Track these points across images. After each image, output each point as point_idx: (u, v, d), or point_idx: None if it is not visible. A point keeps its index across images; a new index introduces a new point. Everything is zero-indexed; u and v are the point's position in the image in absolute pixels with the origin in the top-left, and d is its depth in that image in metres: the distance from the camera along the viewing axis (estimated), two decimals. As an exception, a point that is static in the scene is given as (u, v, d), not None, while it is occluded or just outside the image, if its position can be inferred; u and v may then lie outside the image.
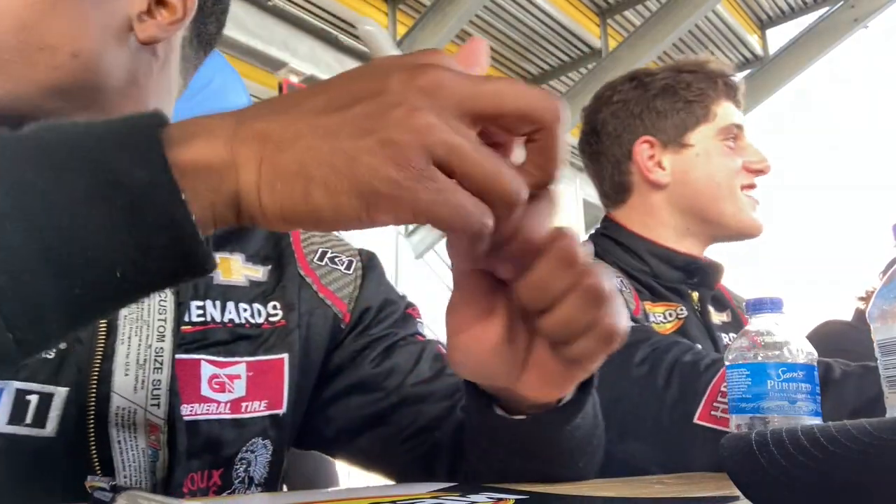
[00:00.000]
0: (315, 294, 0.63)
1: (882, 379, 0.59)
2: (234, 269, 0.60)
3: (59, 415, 0.47)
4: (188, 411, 0.53)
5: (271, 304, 0.60)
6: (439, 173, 0.30)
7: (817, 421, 0.65)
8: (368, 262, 0.68)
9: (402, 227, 6.67)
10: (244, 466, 0.57)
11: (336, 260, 0.66)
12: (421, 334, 0.68)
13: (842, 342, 1.28)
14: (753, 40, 5.60)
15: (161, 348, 0.51)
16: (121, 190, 0.29)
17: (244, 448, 0.57)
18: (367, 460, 0.65)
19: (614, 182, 1.10)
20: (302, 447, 0.69)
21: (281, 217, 0.31)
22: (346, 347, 0.64)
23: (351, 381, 0.63)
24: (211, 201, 0.31)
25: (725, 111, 1.05)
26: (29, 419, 0.46)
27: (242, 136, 0.31)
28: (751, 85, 5.28)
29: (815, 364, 0.67)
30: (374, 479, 0.66)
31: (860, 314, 1.40)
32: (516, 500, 0.37)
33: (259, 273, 0.61)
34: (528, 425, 0.47)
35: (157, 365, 0.51)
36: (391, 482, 0.65)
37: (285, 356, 0.59)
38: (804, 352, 0.66)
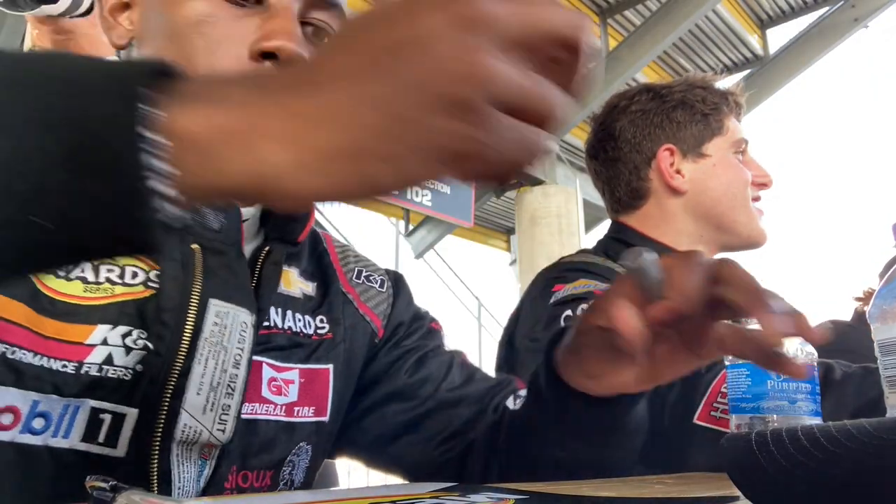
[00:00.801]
0: (356, 310, 0.66)
1: (882, 379, 0.59)
2: (293, 281, 0.62)
3: (130, 435, 0.48)
4: (249, 410, 0.54)
5: (319, 317, 0.63)
6: (500, 115, 0.27)
7: (817, 421, 0.65)
8: (398, 282, 0.72)
9: (402, 227, 6.68)
10: (289, 469, 0.58)
11: (371, 278, 0.70)
12: (444, 346, 0.71)
13: (842, 342, 1.29)
14: (753, 40, 5.60)
15: (235, 375, 0.53)
16: (79, 118, 0.25)
17: (292, 451, 0.58)
18: (402, 465, 0.67)
19: (631, 188, 1.12)
20: (336, 456, 0.71)
21: (315, 198, 0.28)
22: (380, 360, 0.67)
23: (388, 390, 0.66)
24: (211, 183, 0.27)
25: (735, 126, 1.10)
26: (101, 438, 0.47)
27: (268, 110, 0.27)
28: (751, 85, 5.29)
29: (815, 364, 0.67)
30: (374, 479, 0.67)
31: (860, 314, 1.40)
32: (516, 499, 0.37)
33: (309, 288, 0.63)
34: (615, 407, 0.51)
35: (229, 391, 0.52)
36: (398, 481, 0.66)
37: (331, 367, 0.62)
38: (804, 352, 0.67)
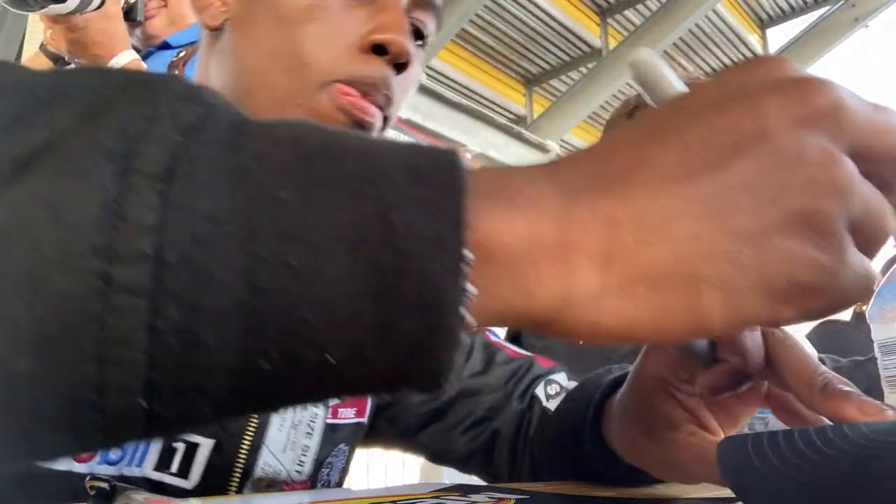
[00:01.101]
0: None
1: (882, 379, 0.59)
2: None
3: (202, 467, 0.46)
4: None
5: None
6: (850, 239, 0.22)
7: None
8: None
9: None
10: (328, 471, 0.58)
11: None
12: None
13: (841, 341, 1.28)
14: (754, 40, 5.60)
15: (315, 414, 0.52)
16: (386, 234, 0.19)
17: (332, 453, 0.58)
18: (433, 453, 0.66)
19: None
20: (369, 446, 0.71)
21: (624, 333, 0.22)
22: None
23: None
24: (511, 305, 0.21)
25: None
26: (174, 468, 0.46)
27: (578, 216, 0.21)
28: (751, 84, 5.29)
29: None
30: (373, 479, 0.67)
31: (858, 314, 1.40)
32: (516, 499, 0.37)
33: None
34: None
35: (309, 430, 0.52)
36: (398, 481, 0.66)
37: None
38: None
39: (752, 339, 0.34)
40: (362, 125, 0.49)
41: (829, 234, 0.21)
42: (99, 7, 0.98)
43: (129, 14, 1.16)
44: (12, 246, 0.17)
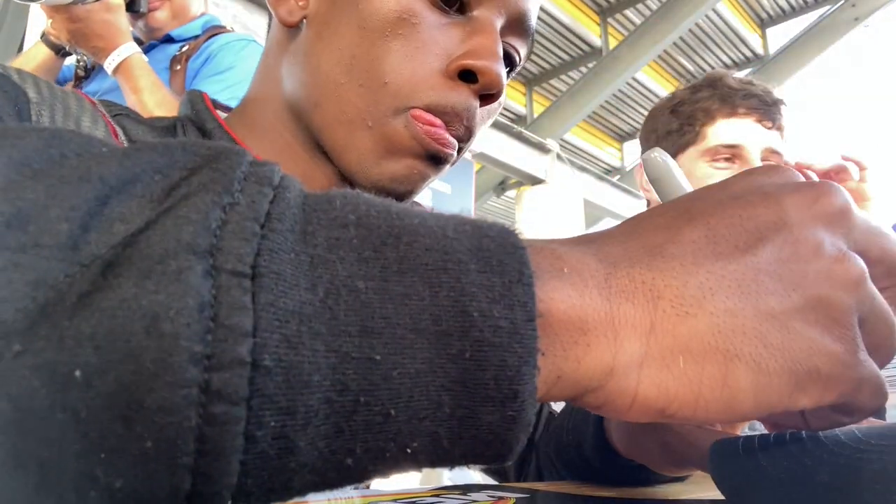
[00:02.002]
0: None
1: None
2: None
3: None
4: None
5: None
6: (863, 346, 0.23)
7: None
8: None
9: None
10: None
11: None
12: None
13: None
14: (754, 39, 5.60)
15: None
16: (466, 326, 0.19)
17: None
18: None
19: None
20: None
21: (662, 406, 0.22)
22: None
23: None
24: (561, 373, 0.21)
25: (716, 131, 1.01)
26: None
27: (621, 285, 0.22)
28: (751, 84, 5.29)
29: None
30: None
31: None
32: (517, 498, 0.37)
33: None
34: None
35: None
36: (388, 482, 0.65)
37: None
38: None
39: None
40: (438, 157, 0.45)
41: (844, 325, 0.22)
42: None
43: (132, 5, 1.16)
44: (108, 358, 0.16)
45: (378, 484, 0.61)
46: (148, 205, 0.18)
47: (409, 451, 0.19)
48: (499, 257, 0.20)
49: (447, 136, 0.45)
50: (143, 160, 0.19)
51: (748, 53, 5.68)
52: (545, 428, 0.58)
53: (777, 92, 1.07)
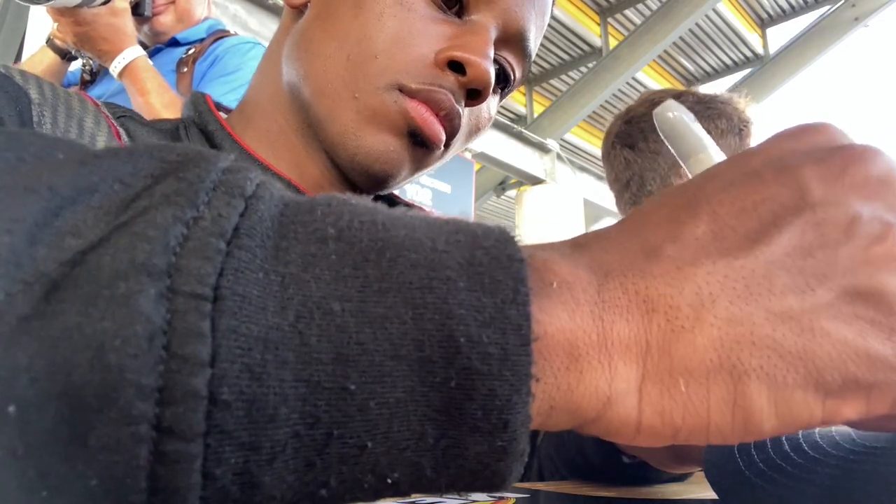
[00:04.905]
0: None
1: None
2: None
3: None
4: None
5: None
6: None
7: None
8: None
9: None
10: None
11: None
12: None
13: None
14: (754, 39, 5.59)
15: None
16: (452, 354, 0.17)
17: None
18: None
19: (666, 183, 1.12)
20: None
21: (669, 433, 0.19)
22: None
23: None
24: (553, 403, 0.19)
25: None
26: None
27: (614, 300, 0.19)
28: (751, 84, 5.28)
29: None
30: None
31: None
32: (517, 498, 0.37)
33: None
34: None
35: None
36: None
37: None
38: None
39: None
40: (419, 139, 0.45)
41: (889, 315, 0.18)
42: (105, 3, 0.99)
43: (137, 9, 1.16)
44: (47, 392, 0.14)
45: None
46: (104, 217, 0.16)
47: (389, 481, 0.18)
48: (492, 273, 0.18)
49: (436, 122, 0.45)
50: (103, 167, 0.18)
51: (748, 53, 5.67)
52: (546, 432, 0.58)
53: (754, 110, 1.12)
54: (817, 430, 0.27)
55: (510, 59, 0.49)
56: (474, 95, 0.46)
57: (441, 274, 0.18)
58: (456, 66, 0.44)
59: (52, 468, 0.15)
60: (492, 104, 0.50)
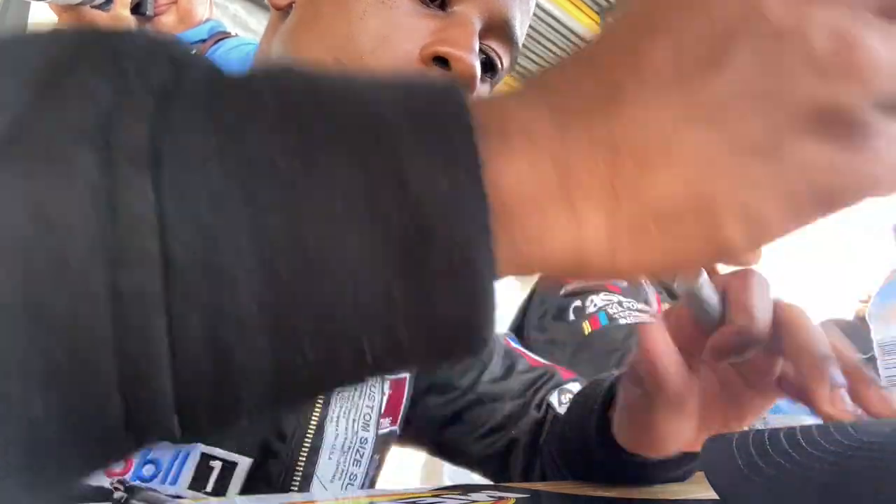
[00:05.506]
0: None
1: (881, 379, 0.59)
2: None
3: (239, 487, 0.44)
4: None
5: None
6: (883, 121, 0.18)
7: (818, 421, 0.65)
8: None
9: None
10: (359, 480, 0.56)
11: None
12: None
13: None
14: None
15: (365, 438, 0.49)
16: (405, 199, 0.16)
17: (368, 464, 0.56)
18: (451, 455, 0.65)
19: None
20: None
21: (647, 272, 0.19)
22: None
23: (428, 382, 0.64)
24: (522, 258, 0.18)
25: None
26: (210, 487, 0.44)
27: (576, 146, 0.18)
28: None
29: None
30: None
31: (860, 314, 1.40)
32: (517, 499, 0.37)
33: None
34: (678, 468, 0.45)
35: (358, 457, 0.49)
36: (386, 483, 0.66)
37: (408, 374, 0.59)
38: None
39: (761, 301, 0.34)
40: None
41: (852, 125, 0.18)
42: (106, 3, 1.00)
43: (139, 8, 1.16)
44: None
45: (379, 484, 0.61)
46: (30, 87, 0.15)
47: (364, 349, 0.17)
48: (435, 113, 0.17)
49: None
50: (22, 42, 0.17)
51: (748, 53, 5.68)
52: (550, 430, 0.58)
53: None
54: (814, 425, 0.27)
55: (497, 47, 0.49)
56: None
57: (387, 122, 0.17)
58: (441, 61, 0.44)
59: (19, 345, 0.14)
60: (482, 94, 0.50)
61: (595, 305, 0.89)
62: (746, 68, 0.18)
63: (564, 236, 0.18)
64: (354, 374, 0.18)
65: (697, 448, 0.40)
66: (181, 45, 0.18)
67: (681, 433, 0.38)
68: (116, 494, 0.31)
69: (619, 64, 0.19)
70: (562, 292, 0.94)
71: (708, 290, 0.34)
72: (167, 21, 1.25)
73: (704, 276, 0.34)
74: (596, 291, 0.90)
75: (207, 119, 0.16)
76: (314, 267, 0.16)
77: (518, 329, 1.02)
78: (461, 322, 0.17)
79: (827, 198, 0.18)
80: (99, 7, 1.01)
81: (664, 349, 0.35)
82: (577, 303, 0.90)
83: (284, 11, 0.50)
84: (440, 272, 0.17)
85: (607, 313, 0.89)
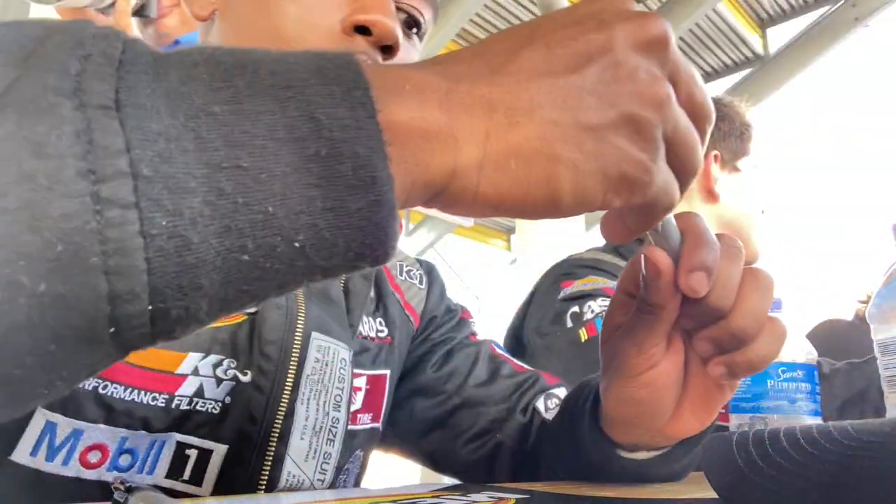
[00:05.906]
0: (402, 310, 0.64)
1: (882, 379, 0.59)
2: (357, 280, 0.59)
3: (216, 474, 0.45)
4: None
5: (378, 319, 0.61)
6: (664, 150, 0.27)
7: (818, 420, 0.65)
8: (431, 274, 0.70)
9: (403, 226, 6.65)
10: (344, 478, 0.56)
11: (411, 274, 0.67)
12: (474, 334, 0.69)
13: (842, 341, 1.28)
14: (754, 39, 5.59)
15: (336, 419, 0.50)
16: (316, 129, 0.21)
17: (350, 459, 0.56)
18: (435, 460, 0.65)
19: None
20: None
21: (497, 202, 0.25)
22: (411, 354, 0.65)
23: (413, 385, 0.64)
24: (413, 178, 0.24)
25: (753, 150, 1.15)
26: (186, 475, 0.44)
27: (460, 100, 0.25)
28: (751, 84, 5.27)
29: (815, 364, 0.67)
30: (372, 480, 0.66)
31: (860, 314, 1.40)
32: (517, 499, 0.37)
33: (368, 288, 0.60)
34: (660, 461, 0.46)
35: (331, 437, 0.50)
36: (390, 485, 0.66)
37: (388, 372, 0.60)
38: (804, 351, 0.67)
39: (711, 246, 0.37)
40: None
41: (648, 139, 0.26)
42: (109, 7, 1.00)
43: (142, 10, 1.16)
44: (4, 178, 0.18)
45: (379, 484, 0.61)
46: (10, 65, 0.20)
47: (297, 244, 0.21)
48: (337, 72, 0.23)
49: None
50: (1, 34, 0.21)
51: (748, 53, 5.67)
52: (537, 437, 0.58)
53: (754, 113, 1.17)
54: (814, 425, 0.27)
55: (415, 3, 0.51)
56: (388, 50, 0.48)
57: (296, 76, 0.22)
58: (362, 29, 0.46)
59: (25, 238, 0.18)
60: (413, 52, 0.52)
61: (592, 311, 0.88)
62: (595, 77, 0.26)
63: (444, 161, 0.24)
64: (292, 269, 0.22)
65: (695, 430, 0.42)
66: (120, 32, 0.22)
67: (662, 371, 0.40)
68: (117, 494, 0.31)
69: (503, 54, 0.27)
70: (560, 296, 0.93)
71: (670, 228, 0.37)
72: (170, 23, 1.25)
73: (670, 216, 0.38)
74: (593, 297, 0.90)
75: (154, 80, 0.21)
76: (250, 181, 0.20)
77: (517, 333, 1.01)
78: (370, 226, 0.22)
79: (627, 184, 0.26)
80: (102, 11, 1.01)
81: (663, 259, 0.37)
82: (575, 308, 0.89)
83: (210, 21, 0.52)
84: (349, 183, 0.22)
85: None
